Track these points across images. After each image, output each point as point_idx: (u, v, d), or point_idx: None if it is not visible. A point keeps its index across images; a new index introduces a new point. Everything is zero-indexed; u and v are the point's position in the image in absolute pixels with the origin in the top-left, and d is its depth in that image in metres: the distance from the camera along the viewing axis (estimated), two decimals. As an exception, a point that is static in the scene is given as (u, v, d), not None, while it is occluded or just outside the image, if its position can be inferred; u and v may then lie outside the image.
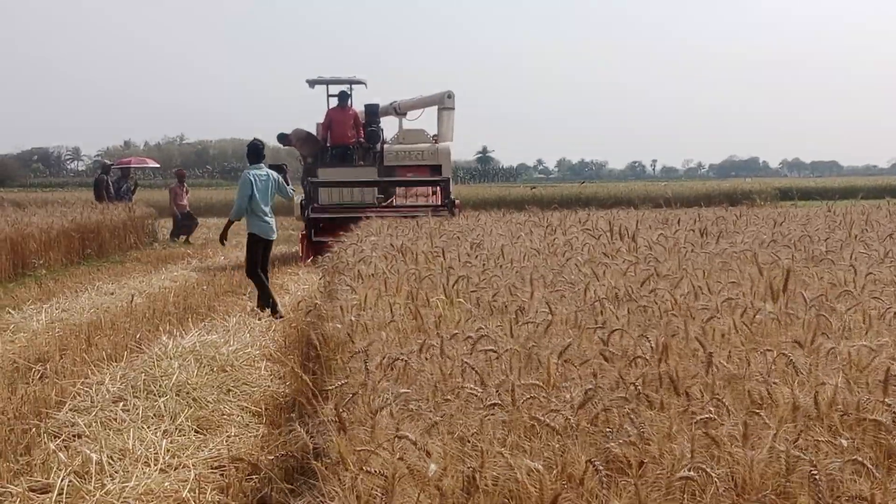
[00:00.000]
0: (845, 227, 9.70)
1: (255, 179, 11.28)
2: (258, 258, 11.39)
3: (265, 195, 11.32)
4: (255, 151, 11.52)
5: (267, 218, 11.37)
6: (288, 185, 12.20)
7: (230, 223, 11.72)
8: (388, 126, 20.99)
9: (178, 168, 30.26)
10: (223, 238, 12.06)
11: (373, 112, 19.99)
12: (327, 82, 20.12)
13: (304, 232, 18.14)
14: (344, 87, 19.80)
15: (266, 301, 11.19)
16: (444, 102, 19.66)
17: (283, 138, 19.73)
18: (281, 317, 10.80)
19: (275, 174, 11.62)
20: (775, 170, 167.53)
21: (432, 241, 8.67)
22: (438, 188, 18.30)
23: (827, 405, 2.89)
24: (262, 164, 11.56)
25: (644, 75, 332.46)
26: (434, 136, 19.82)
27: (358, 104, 20.20)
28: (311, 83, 20.05)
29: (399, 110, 21.07)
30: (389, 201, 18.49)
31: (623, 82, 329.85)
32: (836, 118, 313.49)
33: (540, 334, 4.17)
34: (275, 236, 11.64)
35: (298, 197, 17.80)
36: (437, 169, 18.92)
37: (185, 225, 24.47)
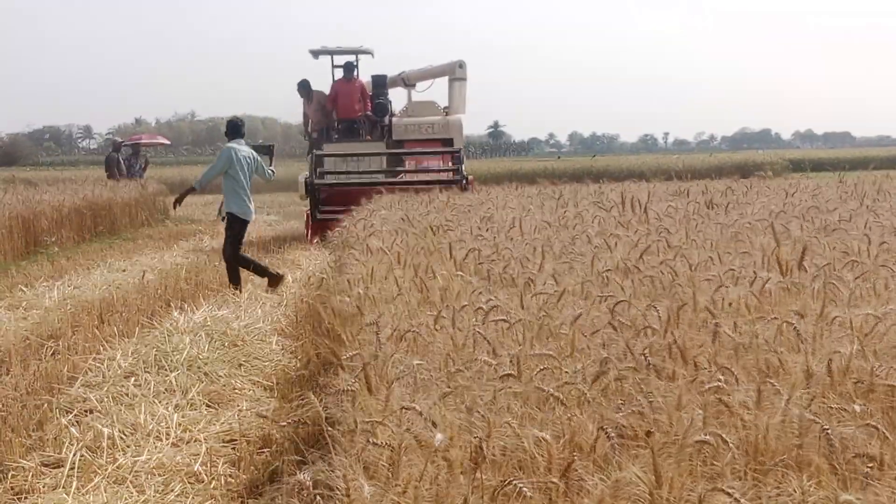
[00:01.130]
0: (857, 197, 9.64)
1: (237, 155, 10.73)
2: (241, 238, 10.96)
3: (248, 173, 10.83)
4: (235, 128, 10.95)
5: (246, 197, 10.82)
6: (271, 165, 11.56)
7: (192, 190, 11.23)
8: (396, 98, 19.97)
9: None
10: (178, 201, 11.59)
11: (380, 83, 19.04)
12: (332, 52, 19.08)
13: (308, 210, 16.96)
14: (349, 58, 18.74)
15: (235, 280, 10.70)
16: (455, 72, 18.83)
17: (304, 86, 18.46)
18: (239, 287, 10.51)
19: (254, 154, 11.04)
20: (788, 141, 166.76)
21: (442, 215, 8.66)
22: (449, 160, 17.21)
23: (840, 373, 2.87)
24: (242, 141, 10.97)
25: (656, 47, 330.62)
26: (445, 108, 18.96)
27: (364, 75, 19.06)
28: (315, 53, 19.10)
29: (408, 81, 19.98)
30: (399, 176, 17.08)
31: (635, 55, 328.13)
32: (849, 89, 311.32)
33: (551, 305, 4.16)
34: (253, 217, 11.10)
35: (302, 175, 16.95)
36: (448, 142, 18.05)
37: None
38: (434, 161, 17.97)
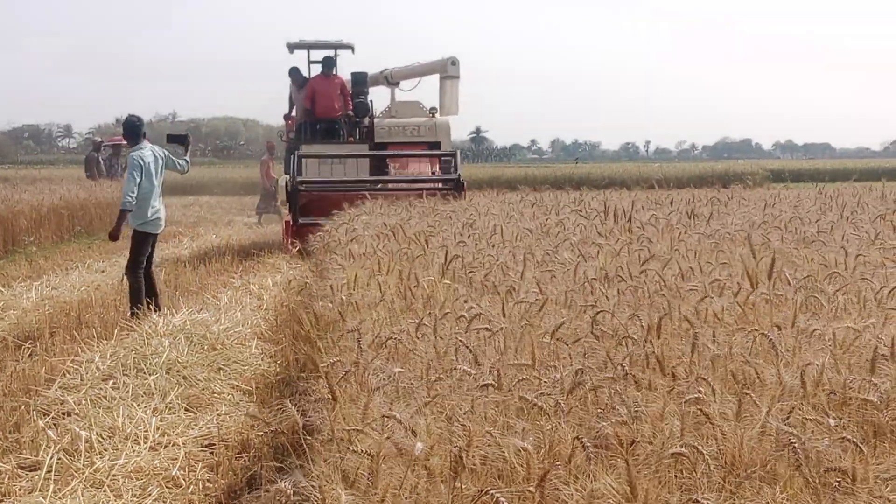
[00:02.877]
0: (837, 208, 9.71)
1: (143, 162, 9.24)
2: (145, 255, 9.43)
3: (158, 180, 9.45)
4: (133, 130, 9.47)
5: (155, 207, 9.40)
6: (186, 155, 10.06)
7: (124, 213, 9.18)
8: (377, 98, 18.81)
9: (268, 140, 28.30)
10: (115, 234, 9.37)
11: (360, 81, 17.62)
12: (309, 46, 17.77)
13: (287, 217, 15.15)
14: (328, 53, 17.32)
15: (136, 301, 9.15)
16: (447, 70, 17.10)
17: (297, 72, 17.54)
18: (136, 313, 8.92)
19: (160, 151, 9.56)
20: (768, 151, 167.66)
21: (425, 220, 8.66)
22: (442, 163, 15.86)
23: (813, 384, 2.90)
24: (144, 144, 9.43)
25: (638, 56, 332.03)
26: (431, 109, 17.49)
27: (343, 73, 17.56)
28: (292, 47, 17.81)
29: (391, 80, 18.52)
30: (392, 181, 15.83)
31: (617, 63, 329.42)
32: (830, 101, 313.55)
33: (532, 314, 4.17)
34: (161, 228, 9.63)
35: (283, 179, 15.48)
36: (435, 146, 16.82)
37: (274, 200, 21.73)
38: (421, 165, 16.93)
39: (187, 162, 10.04)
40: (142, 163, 9.19)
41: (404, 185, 15.06)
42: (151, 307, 9.07)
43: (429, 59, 17.91)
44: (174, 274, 12.31)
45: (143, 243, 9.39)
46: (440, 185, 14.98)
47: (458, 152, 15.80)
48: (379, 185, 15.34)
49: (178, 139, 10.05)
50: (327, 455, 2.65)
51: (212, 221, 23.22)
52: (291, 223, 14.58)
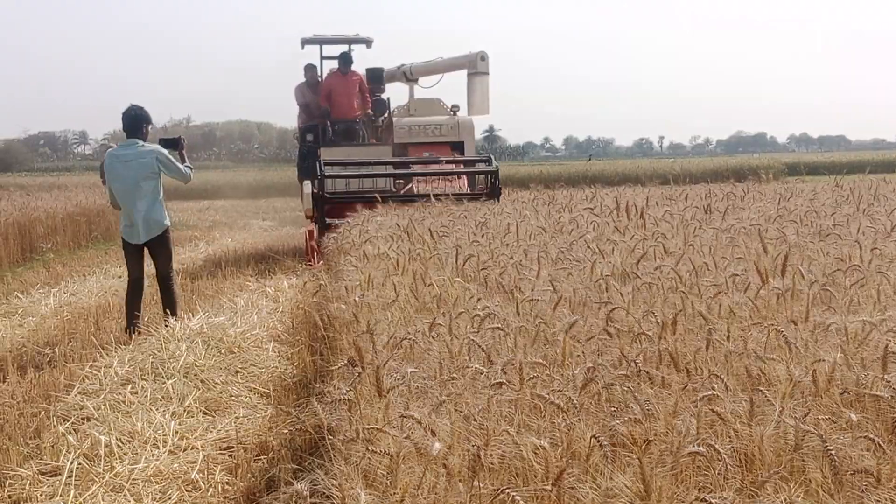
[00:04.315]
0: (853, 201, 9.67)
1: (116, 162, 8.57)
2: (132, 266, 8.81)
3: (131, 183, 8.52)
4: (130, 122, 8.68)
5: (134, 215, 8.59)
6: (184, 161, 9.04)
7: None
8: (393, 95, 17.19)
9: None
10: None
11: (377, 78, 16.71)
12: (325, 41, 16.76)
13: (310, 228, 13.60)
14: (343, 48, 16.42)
15: (130, 318, 8.57)
16: (476, 66, 15.65)
17: (311, 69, 16.65)
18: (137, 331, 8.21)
19: (160, 151, 8.64)
20: (783, 145, 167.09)
21: (438, 220, 8.67)
22: (485, 173, 13.98)
23: (825, 382, 2.88)
24: (138, 140, 8.61)
25: (652, 51, 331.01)
26: (453, 106, 16.12)
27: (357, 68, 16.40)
28: (304, 42, 16.84)
29: (410, 76, 17.12)
30: (409, 188, 14.13)
31: (630, 58, 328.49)
32: (844, 93, 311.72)
33: (547, 312, 4.17)
34: (143, 239, 8.71)
35: (307, 187, 13.78)
36: (458, 146, 15.56)
37: None
38: (446, 176, 14.80)
39: (189, 168, 9.05)
40: (109, 162, 8.61)
41: (444, 189, 13.53)
42: (158, 316, 8.47)
43: (451, 54, 16.64)
44: (190, 277, 12.36)
45: (125, 250, 8.86)
46: (481, 187, 13.90)
47: (492, 157, 14.16)
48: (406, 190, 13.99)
49: (170, 143, 9.13)
50: (349, 454, 2.66)
51: (227, 225, 23.29)
52: (316, 235, 12.90)
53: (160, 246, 8.83)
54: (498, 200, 12.65)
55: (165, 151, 8.71)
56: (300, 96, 16.69)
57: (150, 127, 8.89)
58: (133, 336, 8.10)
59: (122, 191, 8.56)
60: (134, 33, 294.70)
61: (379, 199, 11.25)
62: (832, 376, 2.88)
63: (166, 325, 8.14)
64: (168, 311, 8.74)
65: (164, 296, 8.93)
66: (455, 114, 16.08)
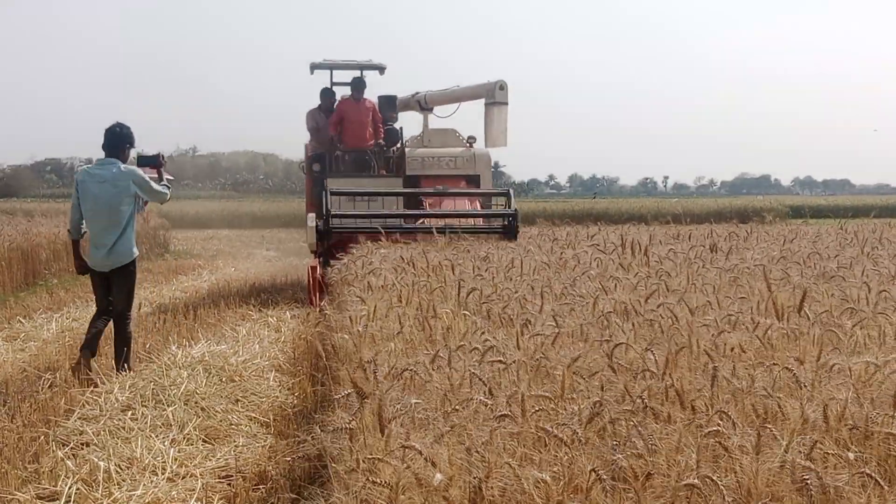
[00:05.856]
0: (857, 244, 9.69)
1: (90, 180, 7.97)
2: (99, 297, 8.21)
3: (103, 205, 7.90)
4: (111, 140, 8.06)
5: (102, 239, 7.96)
6: (162, 179, 8.49)
7: (75, 242, 8.26)
8: (407, 124, 16.08)
9: None
10: (78, 268, 8.36)
11: (389, 105, 15.62)
12: (335, 66, 15.78)
13: (313, 264, 12.42)
14: (355, 74, 15.42)
15: (88, 348, 7.88)
16: (494, 96, 14.77)
17: (327, 94, 15.50)
18: (86, 372, 7.57)
19: (136, 174, 8.02)
20: (787, 187, 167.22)
21: (442, 253, 8.69)
22: (502, 216, 12.77)
23: (836, 419, 2.88)
24: (117, 161, 7.98)
25: (657, 91, 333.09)
26: (468, 138, 15.35)
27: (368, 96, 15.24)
28: (314, 67, 15.72)
29: (425, 104, 16.07)
30: (419, 221, 12.85)
31: (635, 98, 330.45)
32: (849, 137, 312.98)
33: (548, 346, 4.18)
34: (104, 267, 8.02)
35: (312, 219, 12.78)
36: (474, 179, 14.76)
37: None
38: (457, 202, 13.88)
39: (167, 186, 8.45)
40: (82, 180, 8.00)
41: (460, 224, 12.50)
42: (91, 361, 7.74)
43: (468, 83, 15.73)
44: (192, 305, 12.35)
45: (91, 278, 8.20)
46: (500, 223, 12.77)
47: (511, 191, 13.42)
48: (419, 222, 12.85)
49: (150, 160, 8.63)
50: (349, 484, 2.65)
51: (231, 255, 23.34)
52: (320, 270, 11.80)
53: (122, 278, 8.07)
54: (515, 240, 11.89)
55: (142, 173, 8.09)
56: (311, 122, 15.64)
57: (132, 151, 8.33)
58: (79, 378, 7.45)
59: (92, 212, 7.94)
60: (141, 62, 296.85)
61: (384, 232, 10.93)
62: (843, 413, 2.89)
63: (126, 371, 7.74)
64: (118, 356, 7.94)
65: (117, 337, 8.07)
66: (471, 145, 15.35)
